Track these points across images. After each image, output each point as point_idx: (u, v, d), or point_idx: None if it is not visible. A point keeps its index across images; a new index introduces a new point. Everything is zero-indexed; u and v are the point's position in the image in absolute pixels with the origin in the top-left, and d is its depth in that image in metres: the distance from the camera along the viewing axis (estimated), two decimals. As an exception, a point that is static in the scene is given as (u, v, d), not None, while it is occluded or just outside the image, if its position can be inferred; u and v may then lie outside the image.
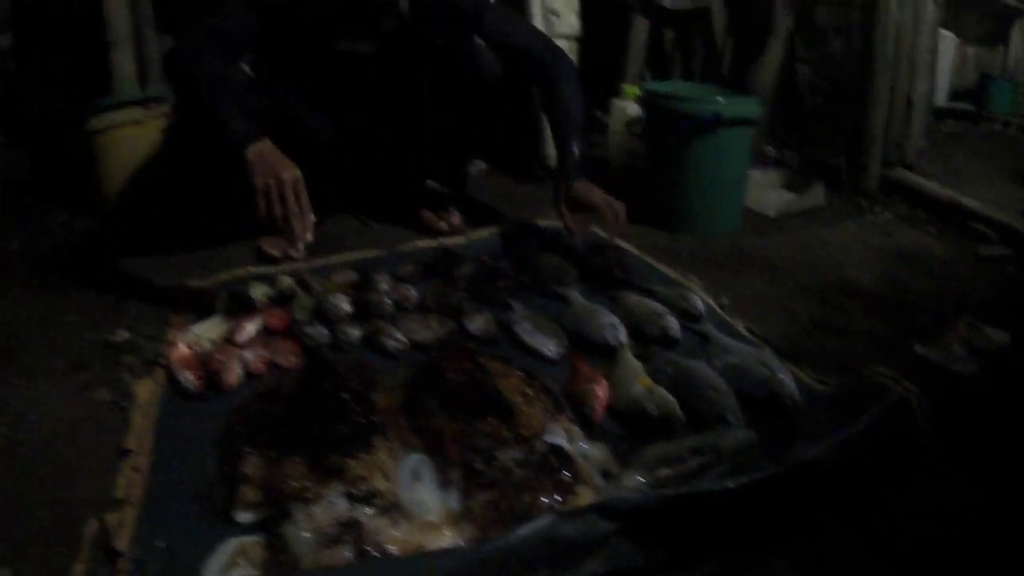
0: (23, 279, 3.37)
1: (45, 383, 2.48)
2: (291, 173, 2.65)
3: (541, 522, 1.52)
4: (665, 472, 1.78)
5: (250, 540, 1.65)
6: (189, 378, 2.27)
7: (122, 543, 1.67)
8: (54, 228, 4.10)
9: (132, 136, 4.04)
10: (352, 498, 1.69)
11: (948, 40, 5.07)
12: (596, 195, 3.03)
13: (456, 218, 3.53)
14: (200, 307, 2.81)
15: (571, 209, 3.09)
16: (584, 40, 4.58)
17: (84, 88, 4.49)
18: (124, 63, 4.53)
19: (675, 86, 4.03)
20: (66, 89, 4.68)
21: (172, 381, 2.33)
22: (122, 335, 2.70)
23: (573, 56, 4.37)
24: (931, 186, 4.10)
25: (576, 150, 3.12)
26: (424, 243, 3.37)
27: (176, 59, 3.00)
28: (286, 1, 3.04)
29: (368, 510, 1.67)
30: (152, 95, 4.18)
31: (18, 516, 1.87)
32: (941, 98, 5.34)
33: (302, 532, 1.61)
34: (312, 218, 2.71)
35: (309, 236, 2.74)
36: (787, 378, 2.15)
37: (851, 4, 4.32)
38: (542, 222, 3.44)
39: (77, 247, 3.77)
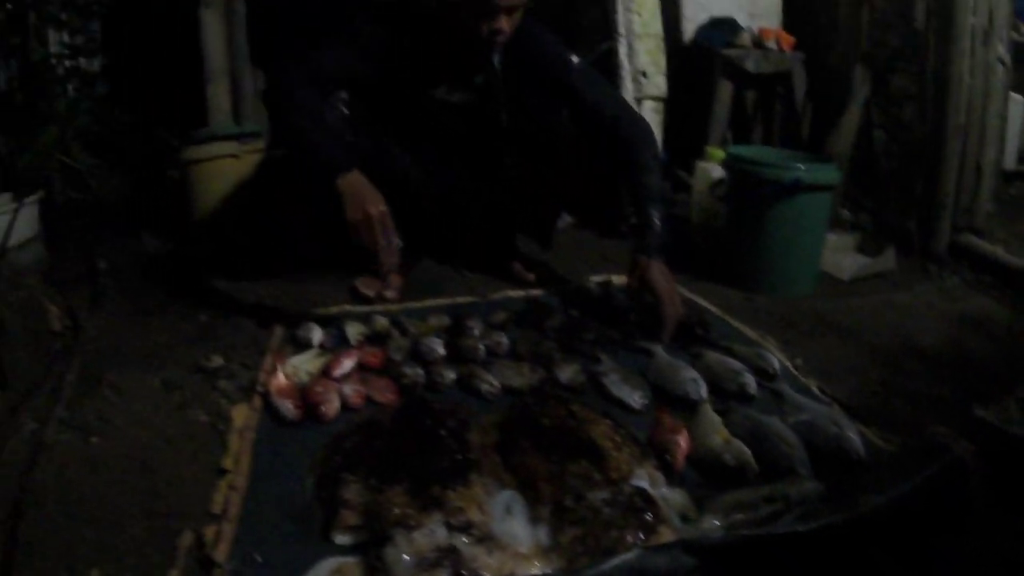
0: (114, 299, 3.52)
1: (140, 400, 2.63)
2: (378, 208, 2.78)
3: (630, 555, 1.65)
4: (739, 517, 1.89)
5: (348, 561, 1.79)
6: (288, 407, 2.44)
7: (220, 555, 1.82)
8: (144, 252, 4.24)
9: (227, 169, 4.21)
10: (450, 527, 1.81)
11: (1018, 103, 5.10)
12: (663, 287, 3.06)
13: (544, 270, 3.65)
14: (298, 339, 2.97)
15: (639, 284, 3.14)
16: (669, 101, 4.65)
17: (178, 116, 4.67)
18: (220, 97, 4.68)
19: (758, 151, 4.07)
20: (159, 116, 4.83)
21: (269, 408, 2.49)
22: (216, 361, 2.86)
23: (659, 116, 4.48)
24: (997, 252, 4.13)
25: (656, 222, 3.17)
26: (514, 293, 3.50)
27: (274, 90, 3.13)
28: (386, 49, 3.15)
29: (465, 539, 1.79)
30: (247, 130, 4.34)
31: (113, 524, 2.01)
32: (1010, 161, 5.36)
33: (403, 555, 1.74)
34: (397, 242, 2.83)
35: (395, 265, 2.87)
36: (854, 435, 2.24)
37: (924, 71, 4.37)
38: (620, 280, 3.51)
39: (168, 272, 3.89)
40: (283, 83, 3.06)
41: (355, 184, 2.83)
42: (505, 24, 2.99)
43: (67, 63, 5.30)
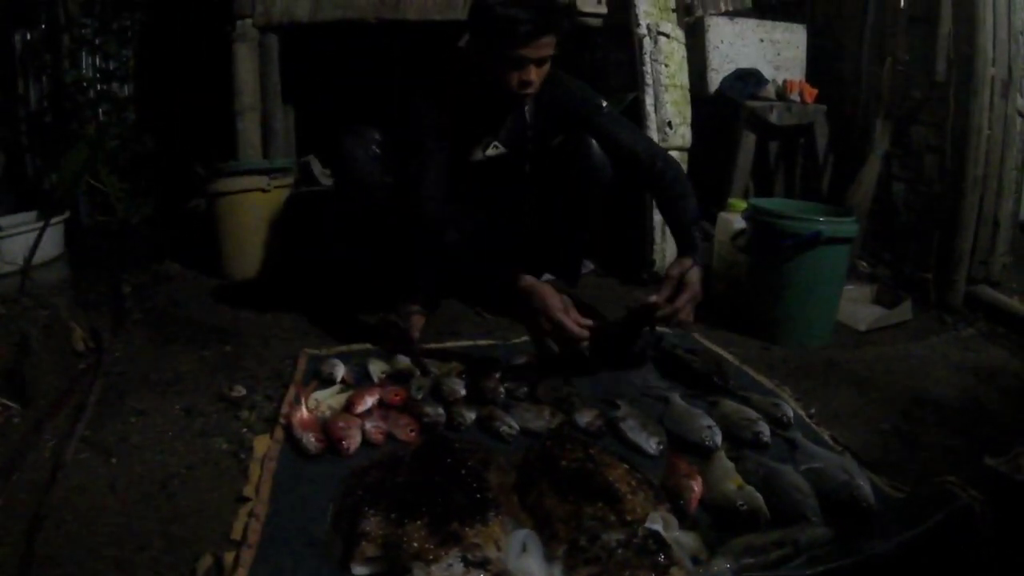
0: (138, 323, 3.58)
1: (161, 425, 2.68)
2: (556, 303, 2.91)
3: None
4: (749, 561, 1.89)
5: None
6: (311, 440, 2.47)
7: None
8: (169, 278, 4.31)
9: (255, 202, 4.26)
10: (467, 562, 1.83)
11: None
12: (693, 281, 3.06)
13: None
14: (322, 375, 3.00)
15: (676, 273, 3.11)
16: (692, 151, 4.66)
17: (206, 147, 4.72)
18: (250, 131, 4.75)
19: (779, 203, 4.07)
20: (187, 145, 4.90)
21: (291, 440, 2.52)
22: (239, 391, 2.91)
23: (683, 167, 4.44)
24: (1012, 304, 4.15)
25: (696, 237, 3.21)
26: None
27: (419, 218, 3.17)
28: (436, 120, 3.22)
29: (481, 574, 1.81)
30: (277, 166, 4.41)
31: (131, 543, 2.05)
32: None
33: None
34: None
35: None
36: (864, 484, 2.24)
37: (944, 124, 4.42)
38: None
39: (192, 299, 3.96)
40: (415, 204, 3.16)
41: (530, 290, 2.96)
42: (534, 75, 3.07)
43: (99, 87, 5.35)
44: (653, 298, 3.06)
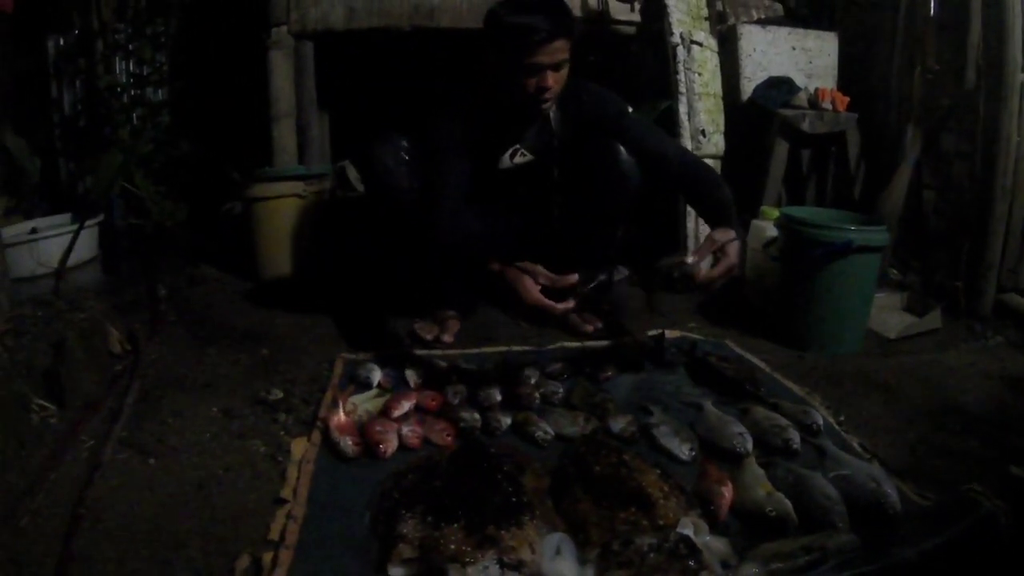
0: (174, 325, 3.62)
1: (199, 427, 2.72)
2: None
3: None
4: (777, 566, 1.92)
5: None
6: (348, 443, 2.50)
7: None
8: (204, 281, 4.34)
9: (292, 207, 4.29)
10: (503, 565, 1.87)
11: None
12: (733, 249, 2.99)
13: (600, 321, 3.68)
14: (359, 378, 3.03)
15: (711, 243, 3.03)
16: (725, 158, 4.68)
17: (241, 152, 4.76)
18: (285, 137, 4.77)
19: (811, 212, 4.08)
20: (222, 150, 4.92)
21: (328, 443, 2.55)
22: (276, 394, 2.95)
23: None
24: None
25: (735, 218, 3.16)
26: (570, 343, 3.55)
27: (439, 235, 3.21)
28: (462, 132, 3.25)
29: None
30: (314, 172, 4.46)
31: (169, 543, 2.09)
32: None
33: None
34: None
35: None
36: (892, 491, 2.26)
37: (974, 131, 4.42)
38: (673, 334, 3.59)
39: (228, 302, 4.00)
40: (431, 223, 3.20)
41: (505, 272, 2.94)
42: (551, 80, 3.08)
43: (133, 91, 5.39)
44: (690, 258, 3.02)
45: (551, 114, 3.40)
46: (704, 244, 3.03)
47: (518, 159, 3.48)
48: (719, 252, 3.00)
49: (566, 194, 3.60)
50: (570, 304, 2.88)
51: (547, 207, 3.62)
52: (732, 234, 3.03)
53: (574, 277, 2.87)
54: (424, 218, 3.19)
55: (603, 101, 3.45)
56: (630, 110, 3.45)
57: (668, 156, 3.38)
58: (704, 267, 3.00)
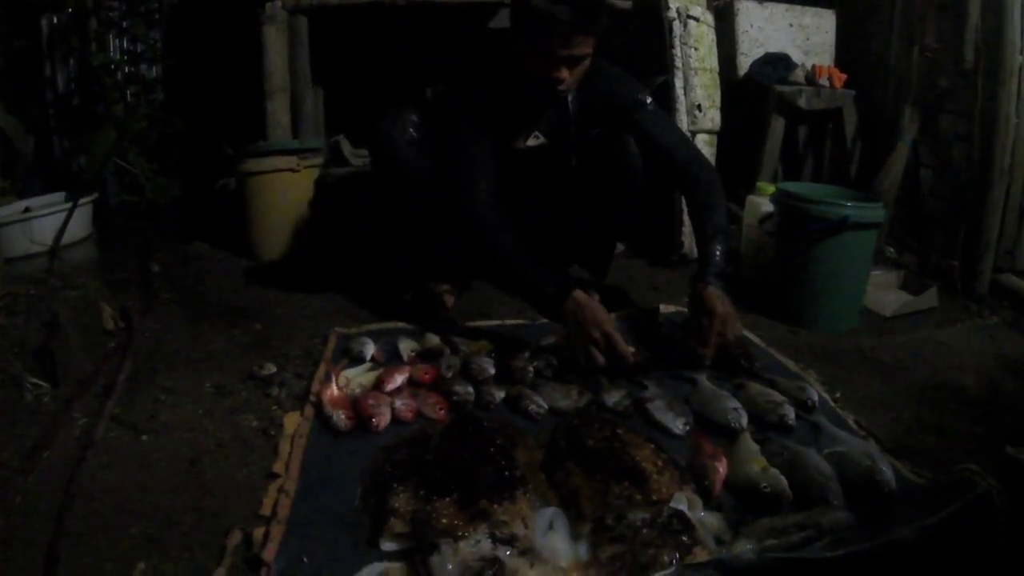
0: (167, 302, 3.61)
1: (191, 403, 2.71)
2: (602, 330, 2.89)
3: (666, 572, 1.74)
4: (771, 542, 1.90)
5: (394, 566, 1.86)
6: (341, 417, 2.49)
7: (268, 555, 1.88)
8: (198, 258, 4.34)
9: (285, 182, 4.27)
10: (495, 539, 1.87)
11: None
12: (717, 307, 3.05)
13: (596, 296, 3.68)
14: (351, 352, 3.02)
15: (695, 305, 3.14)
16: (721, 134, 4.66)
17: (235, 128, 4.74)
18: (279, 112, 4.74)
19: (807, 187, 4.06)
20: (216, 126, 4.92)
21: (320, 417, 2.54)
22: (269, 369, 2.93)
23: (711, 149, 4.50)
24: None
25: (718, 255, 3.18)
26: None
27: (473, 225, 3.15)
28: (478, 107, 3.24)
29: (508, 551, 1.85)
30: (307, 146, 4.44)
31: (161, 520, 2.08)
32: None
33: (448, 564, 1.79)
34: (629, 350, 2.90)
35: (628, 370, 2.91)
36: (887, 469, 2.25)
37: (972, 112, 4.39)
38: (669, 308, 3.58)
39: (221, 278, 3.99)
40: (471, 209, 3.14)
41: (579, 309, 2.94)
42: (565, 74, 3.05)
43: (126, 69, 5.37)
44: (704, 352, 3.06)
45: (569, 98, 3.36)
46: (698, 326, 3.11)
47: (532, 141, 3.46)
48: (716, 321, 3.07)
49: (580, 181, 3.57)
50: (632, 355, 2.90)
51: (561, 193, 3.61)
52: (702, 288, 3.12)
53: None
54: (460, 212, 3.14)
55: (621, 88, 3.42)
56: (648, 100, 3.41)
57: (676, 158, 3.36)
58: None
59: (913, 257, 4.77)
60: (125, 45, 5.57)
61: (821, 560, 1.80)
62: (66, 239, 4.23)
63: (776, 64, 5.16)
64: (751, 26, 5.31)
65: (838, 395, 2.96)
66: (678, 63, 4.42)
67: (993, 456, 2.36)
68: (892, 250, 4.85)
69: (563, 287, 2.98)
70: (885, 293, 4.16)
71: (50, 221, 4.26)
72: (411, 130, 3.32)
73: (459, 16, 4.57)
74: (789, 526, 1.98)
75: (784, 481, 2.19)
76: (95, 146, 4.76)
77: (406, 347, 3.11)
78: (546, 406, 2.69)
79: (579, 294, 2.95)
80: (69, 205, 4.29)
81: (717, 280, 3.13)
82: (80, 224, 4.50)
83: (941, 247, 4.63)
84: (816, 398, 2.78)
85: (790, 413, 2.63)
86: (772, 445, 2.43)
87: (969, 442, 2.66)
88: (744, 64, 5.30)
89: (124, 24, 5.49)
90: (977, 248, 4.31)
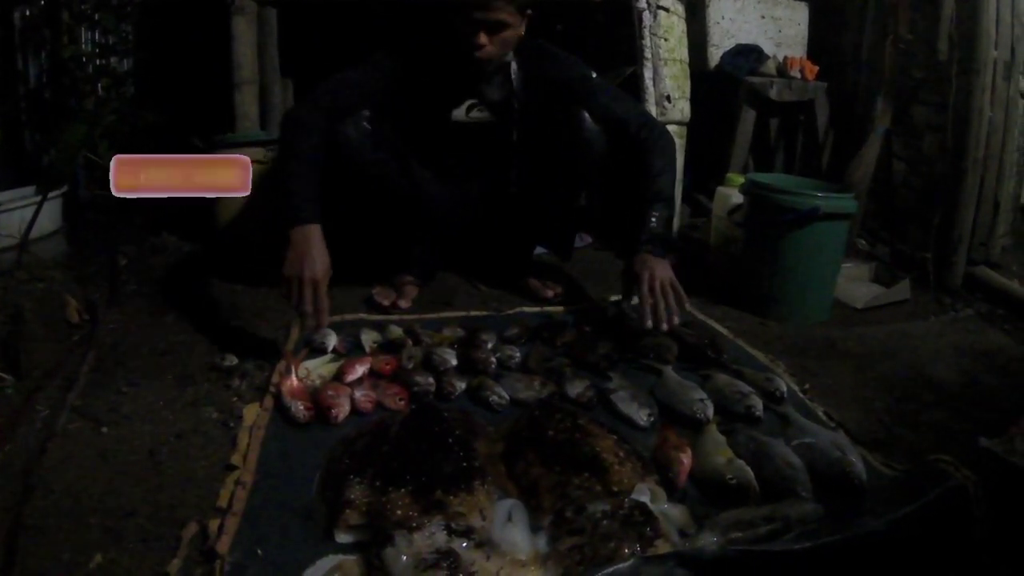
0: (133, 295, 3.59)
1: (152, 394, 2.68)
2: (313, 273, 2.82)
3: (625, 565, 1.67)
4: (737, 535, 1.89)
5: (348, 559, 1.84)
6: (300, 408, 2.48)
7: (223, 547, 1.86)
8: (165, 250, 4.34)
9: (253, 173, 4.25)
10: (451, 531, 1.84)
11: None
12: (646, 268, 3.07)
13: (560, 287, 3.68)
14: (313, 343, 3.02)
15: (630, 280, 3.17)
16: (691, 125, 4.63)
17: (205, 121, 4.74)
18: (247, 104, 4.73)
19: (777, 178, 4.10)
20: (186, 119, 4.86)
21: (280, 408, 2.53)
22: (231, 360, 2.91)
23: (681, 141, 4.45)
24: (1011, 286, 4.16)
25: (653, 221, 3.20)
26: (529, 308, 3.55)
27: (286, 121, 3.22)
28: (401, 75, 3.26)
29: (464, 543, 1.83)
30: (275, 138, 4.36)
31: (119, 512, 2.05)
32: (1028, 195, 5.39)
33: (402, 556, 1.77)
34: (327, 317, 2.88)
35: (314, 327, 2.93)
36: (857, 460, 2.24)
37: (945, 104, 4.40)
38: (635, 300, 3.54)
39: (187, 271, 3.99)
40: (296, 116, 3.18)
41: (305, 241, 2.89)
42: (484, 39, 3.08)
43: (98, 62, 5.34)
44: (645, 323, 3.07)
45: (512, 73, 3.38)
46: (640, 301, 3.12)
47: (474, 114, 3.47)
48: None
49: (525, 158, 3.56)
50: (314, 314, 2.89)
51: (505, 170, 3.58)
52: (644, 260, 3.12)
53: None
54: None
55: (566, 64, 3.44)
56: (593, 75, 3.42)
57: (628, 124, 3.36)
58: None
59: (886, 249, 4.77)
60: (97, 38, 5.53)
61: (788, 552, 1.76)
62: (35, 232, 4.19)
63: (747, 55, 5.16)
64: (723, 18, 5.31)
65: (808, 387, 2.95)
66: (647, 53, 4.40)
67: (966, 448, 2.34)
68: (864, 242, 4.85)
69: (307, 213, 2.94)
70: (856, 286, 4.16)
71: (19, 214, 4.22)
72: (364, 123, 3.30)
73: (431, 11, 4.55)
74: (756, 519, 1.96)
75: (750, 472, 2.17)
76: (65, 139, 4.72)
77: (368, 338, 3.11)
78: (508, 397, 2.68)
79: (313, 231, 2.90)
80: (39, 199, 4.25)
81: (652, 247, 3.14)
82: (50, 217, 4.47)
83: (914, 239, 4.64)
84: (784, 389, 2.78)
85: (758, 404, 2.62)
86: (739, 436, 2.41)
87: (942, 434, 2.66)
88: (715, 56, 5.30)
89: (96, 16, 5.45)
90: (950, 240, 4.31)
